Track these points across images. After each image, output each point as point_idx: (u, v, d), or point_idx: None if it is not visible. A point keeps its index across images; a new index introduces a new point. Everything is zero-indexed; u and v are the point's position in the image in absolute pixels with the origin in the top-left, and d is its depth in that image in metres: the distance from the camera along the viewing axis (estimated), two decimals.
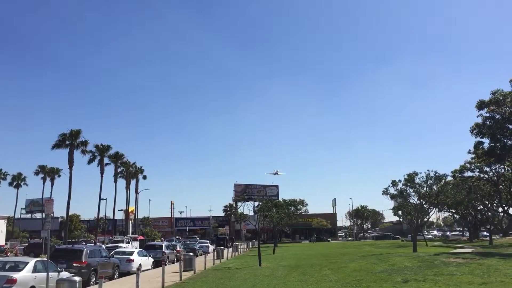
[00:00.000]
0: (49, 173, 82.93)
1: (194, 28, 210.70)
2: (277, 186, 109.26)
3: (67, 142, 55.54)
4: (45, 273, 16.38)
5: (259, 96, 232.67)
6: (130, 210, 78.63)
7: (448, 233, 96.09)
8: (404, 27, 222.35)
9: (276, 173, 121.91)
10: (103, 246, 36.26)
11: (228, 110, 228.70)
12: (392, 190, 38.72)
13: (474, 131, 30.90)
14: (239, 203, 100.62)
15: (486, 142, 31.34)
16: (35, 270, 16.64)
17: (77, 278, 14.30)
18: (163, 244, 38.61)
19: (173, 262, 36.39)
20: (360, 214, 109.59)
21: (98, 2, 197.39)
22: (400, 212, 40.53)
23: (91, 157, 63.92)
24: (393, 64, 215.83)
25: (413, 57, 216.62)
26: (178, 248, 41.70)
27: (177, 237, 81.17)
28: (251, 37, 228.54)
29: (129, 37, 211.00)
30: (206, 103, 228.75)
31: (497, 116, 29.94)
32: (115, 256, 27.47)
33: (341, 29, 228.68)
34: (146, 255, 31.12)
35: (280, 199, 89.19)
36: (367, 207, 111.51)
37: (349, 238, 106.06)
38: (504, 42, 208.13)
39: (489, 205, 57.72)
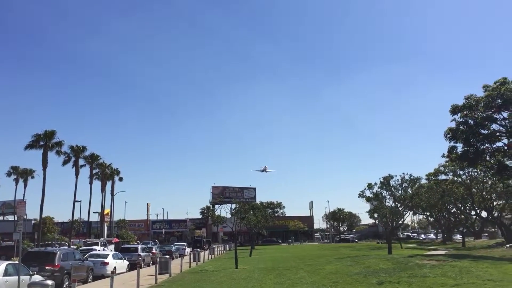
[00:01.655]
0: (22, 174, 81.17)
1: (171, 27, 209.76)
2: (254, 189, 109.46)
3: (41, 143, 54.42)
4: (17, 277, 16.02)
5: (238, 98, 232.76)
6: (105, 213, 77.43)
7: (422, 236, 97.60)
8: (381, 32, 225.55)
9: (264, 170, 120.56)
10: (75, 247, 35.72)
11: (207, 112, 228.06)
12: (368, 193, 39.27)
13: (448, 136, 31.40)
14: (216, 206, 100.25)
15: (460, 146, 31.86)
16: (6, 273, 16.25)
17: (49, 282, 14.04)
18: (139, 247, 38.22)
19: (148, 265, 36.08)
20: (336, 216, 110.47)
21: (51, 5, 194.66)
22: (375, 215, 41.01)
23: (66, 158, 62.84)
24: (370, 69, 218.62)
25: (389, 62, 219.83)
26: (154, 251, 41.32)
27: (153, 240, 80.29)
28: (232, 39, 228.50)
29: (104, 36, 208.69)
30: (184, 105, 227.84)
31: (470, 121, 30.51)
32: (89, 259, 27.08)
33: (320, 35, 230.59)
34: (121, 258, 30.76)
35: (257, 201, 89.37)
36: (344, 210, 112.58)
37: (326, 241, 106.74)
38: (478, 48, 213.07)
39: (462, 208, 58.85)
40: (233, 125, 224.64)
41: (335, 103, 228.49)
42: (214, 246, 55.99)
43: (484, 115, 29.80)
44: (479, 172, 48.74)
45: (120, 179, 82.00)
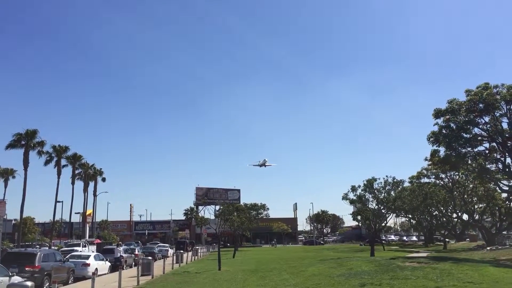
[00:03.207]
0: (2, 174, 79.93)
1: (155, 29, 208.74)
2: (239, 190, 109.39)
3: (23, 142, 53.67)
4: None
5: (222, 99, 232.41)
6: (87, 213, 76.56)
7: (404, 238, 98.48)
8: (364, 38, 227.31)
9: (263, 165, 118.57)
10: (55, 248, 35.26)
11: (191, 113, 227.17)
12: (351, 195, 39.49)
13: (430, 139, 31.76)
14: (200, 207, 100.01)
15: (442, 150, 32.27)
16: None
17: (29, 283, 13.81)
18: (121, 248, 37.85)
19: (131, 267, 35.73)
20: (320, 218, 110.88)
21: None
22: (359, 217, 41.29)
23: (48, 158, 62.14)
24: (353, 73, 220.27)
25: (373, 66, 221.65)
26: (136, 252, 40.97)
27: (136, 241, 79.65)
28: (214, 41, 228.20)
29: (89, 36, 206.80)
30: (168, 106, 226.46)
31: (453, 125, 30.89)
32: (70, 260, 26.70)
33: (304, 40, 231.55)
34: (103, 259, 30.39)
35: (241, 203, 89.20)
36: (328, 212, 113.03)
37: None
38: (461, 52, 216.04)
39: (444, 211, 59.57)
40: (217, 126, 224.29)
41: (319, 106, 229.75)
42: (197, 247, 55.72)
43: (466, 119, 30.21)
44: (460, 176, 49.37)
45: (103, 179, 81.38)
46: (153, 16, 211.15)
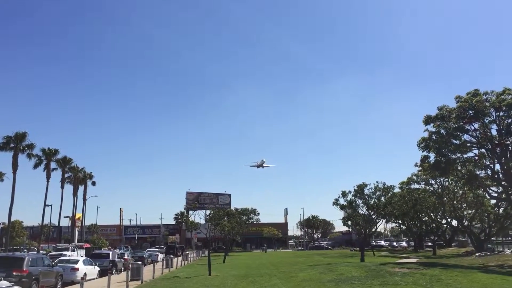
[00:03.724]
0: None
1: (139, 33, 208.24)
2: (229, 195, 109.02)
3: (12, 145, 53.25)
4: None
5: (213, 104, 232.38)
6: (76, 217, 76.02)
7: (394, 243, 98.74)
8: (354, 43, 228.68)
9: (261, 166, 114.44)
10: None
11: (182, 117, 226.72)
12: (342, 201, 39.53)
13: (421, 145, 31.97)
14: (190, 211, 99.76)
15: (432, 156, 32.45)
16: None
17: None
18: (110, 252, 37.58)
19: (120, 271, 35.48)
20: (311, 223, 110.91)
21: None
22: (349, 222, 41.34)
23: (37, 161, 61.58)
24: (344, 77, 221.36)
25: (364, 73, 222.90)
26: (126, 257, 40.68)
27: (126, 245, 79.08)
28: (207, 45, 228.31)
29: (81, 37, 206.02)
30: (159, 110, 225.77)
31: (443, 131, 31.10)
32: (59, 264, 26.40)
33: (291, 46, 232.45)
34: (92, 264, 30.16)
35: (232, 207, 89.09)
36: (318, 217, 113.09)
37: (300, 248, 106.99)
38: (453, 59, 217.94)
39: (434, 217, 59.83)
40: (208, 130, 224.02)
41: (309, 111, 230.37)
42: (187, 252, 55.48)
43: (456, 125, 30.45)
44: (450, 182, 49.66)
45: (93, 183, 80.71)
46: (137, 15, 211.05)
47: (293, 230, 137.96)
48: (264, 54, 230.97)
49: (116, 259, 35.91)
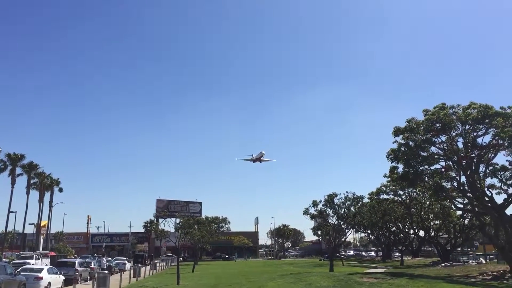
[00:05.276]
0: None
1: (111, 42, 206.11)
2: (200, 203, 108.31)
3: None
4: None
5: (184, 111, 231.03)
6: (42, 224, 74.08)
7: (363, 253, 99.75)
8: (325, 54, 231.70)
9: (258, 160, 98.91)
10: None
11: (149, 124, 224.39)
12: (312, 210, 39.72)
13: (390, 156, 32.36)
14: (160, 219, 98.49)
15: (401, 167, 32.90)
16: None
17: None
18: (76, 261, 36.66)
19: (86, 281, 34.62)
20: (281, 233, 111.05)
21: None
22: (319, 232, 41.53)
23: (2, 167, 60.18)
24: (315, 89, 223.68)
25: (334, 83, 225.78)
26: (92, 266, 39.76)
27: (96, 254, 77.26)
28: (180, 56, 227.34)
29: (49, 44, 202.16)
30: (131, 117, 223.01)
31: (411, 143, 31.60)
32: (22, 273, 25.56)
33: (266, 54, 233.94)
34: (56, 273, 29.30)
35: (203, 216, 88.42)
36: (289, 226, 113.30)
37: (270, 257, 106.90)
38: (420, 72, 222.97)
39: (402, 227, 60.69)
40: (178, 137, 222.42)
41: (281, 121, 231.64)
42: (156, 261, 54.64)
43: (424, 138, 30.99)
44: (418, 193, 50.49)
45: (60, 189, 79.04)
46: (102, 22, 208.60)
47: (264, 239, 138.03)
48: (236, 64, 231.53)
49: (79, 268, 34.92)
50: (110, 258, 48.39)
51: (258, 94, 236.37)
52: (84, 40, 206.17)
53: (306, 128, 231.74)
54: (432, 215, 55.26)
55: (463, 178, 31.97)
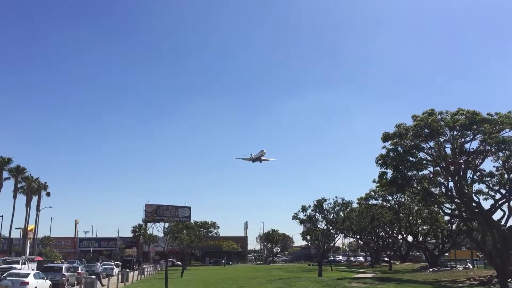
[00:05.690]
0: None
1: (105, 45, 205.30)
2: (189, 208, 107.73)
3: None
4: None
5: (174, 116, 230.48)
6: (29, 229, 73.22)
7: (352, 258, 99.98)
8: (314, 60, 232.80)
9: (259, 159, 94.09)
10: None
11: (138, 127, 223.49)
12: (301, 215, 39.81)
13: (379, 162, 32.50)
14: (149, 224, 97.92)
15: (390, 172, 33.05)
16: None
17: None
18: (63, 266, 36.29)
19: (73, 286, 34.29)
20: (270, 238, 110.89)
21: None
22: (308, 237, 41.59)
23: None
24: (308, 94, 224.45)
25: (326, 89, 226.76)
26: (79, 271, 39.36)
27: (81, 259, 76.51)
28: (171, 59, 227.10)
29: (37, 43, 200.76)
30: (119, 121, 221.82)
31: (400, 149, 31.78)
32: (8, 278, 25.32)
33: (258, 59, 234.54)
34: (43, 278, 28.99)
35: (192, 220, 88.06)
36: (278, 231, 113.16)
37: (259, 262, 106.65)
38: (410, 78, 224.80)
39: (390, 232, 60.95)
40: (167, 141, 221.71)
41: (269, 127, 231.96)
42: (144, 266, 54.26)
43: (413, 143, 31.19)
44: (406, 198, 50.77)
45: (48, 194, 78.27)
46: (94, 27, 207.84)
47: (253, 244, 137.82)
48: (227, 68, 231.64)
49: (66, 273, 34.51)
50: (99, 263, 48.02)
51: (250, 98, 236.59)
52: (73, 42, 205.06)
53: (296, 133, 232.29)
54: (420, 220, 55.47)
55: (451, 184, 32.19)
